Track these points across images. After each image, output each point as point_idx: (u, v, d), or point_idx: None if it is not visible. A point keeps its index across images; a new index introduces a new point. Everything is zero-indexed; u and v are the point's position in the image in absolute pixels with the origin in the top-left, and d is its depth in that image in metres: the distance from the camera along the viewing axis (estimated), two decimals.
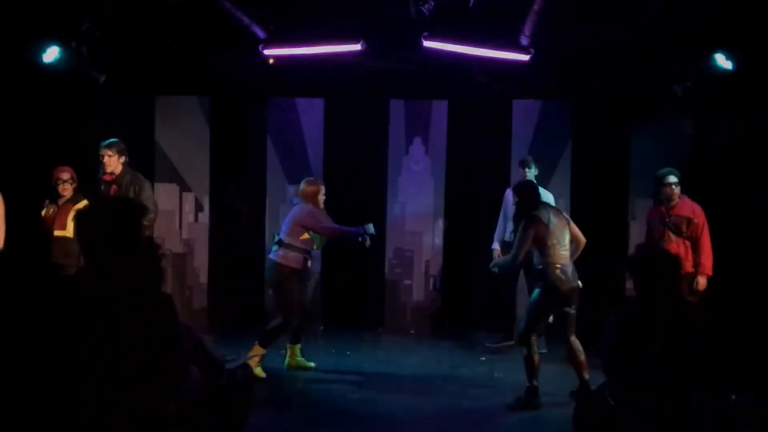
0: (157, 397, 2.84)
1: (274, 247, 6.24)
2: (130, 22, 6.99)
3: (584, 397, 3.94)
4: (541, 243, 5.51)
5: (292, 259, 6.18)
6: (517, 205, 5.73)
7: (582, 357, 5.60)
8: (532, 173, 7.33)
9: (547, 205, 5.80)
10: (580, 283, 5.63)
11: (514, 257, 5.60)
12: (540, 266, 5.56)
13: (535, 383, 5.58)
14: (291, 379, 6.25)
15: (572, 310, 5.62)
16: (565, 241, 5.58)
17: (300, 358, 6.49)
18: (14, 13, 6.48)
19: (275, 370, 6.32)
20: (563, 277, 5.48)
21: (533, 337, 5.59)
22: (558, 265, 5.48)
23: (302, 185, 6.41)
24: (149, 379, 2.81)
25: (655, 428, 3.59)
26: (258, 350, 6.11)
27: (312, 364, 6.36)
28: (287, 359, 6.49)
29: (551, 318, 5.87)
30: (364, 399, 5.83)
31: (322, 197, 6.36)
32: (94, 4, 6.67)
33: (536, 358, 5.58)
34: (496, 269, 5.98)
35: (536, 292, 5.61)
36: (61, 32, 6.90)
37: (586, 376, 5.56)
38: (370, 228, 6.27)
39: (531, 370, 5.59)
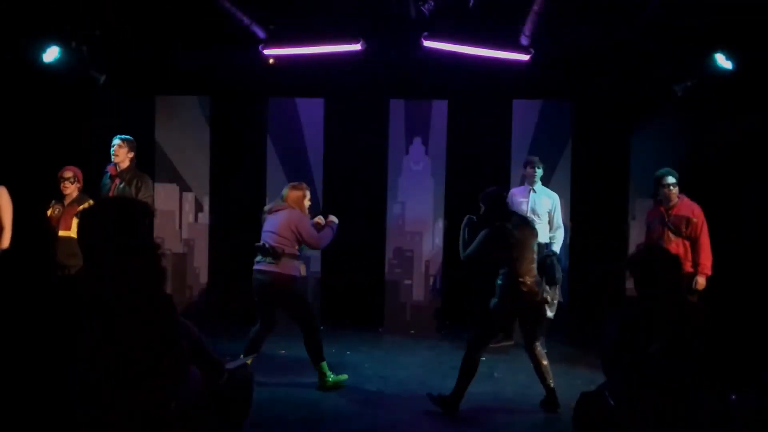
0: (157, 397, 2.84)
1: (269, 259, 5.83)
2: (130, 22, 7.00)
3: (584, 398, 3.94)
4: (502, 256, 5.36)
5: (294, 268, 5.92)
6: (484, 213, 5.45)
7: (543, 365, 5.53)
8: (539, 173, 7.36)
9: (515, 215, 5.60)
10: (548, 296, 5.53)
11: (468, 255, 5.41)
12: (500, 279, 5.41)
13: (462, 390, 5.43)
14: (290, 379, 6.25)
15: (536, 322, 5.53)
16: (529, 253, 5.40)
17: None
18: (14, 13, 6.49)
19: (274, 371, 6.32)
20: (524, 289, 5.33)
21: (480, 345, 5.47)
22: (520, 279, 5.31)
23: (286, 190, 5.99)
24: (149, 379, 2.81)
25: (655, 428, 3.59)
26: (321, 369, 5.92)
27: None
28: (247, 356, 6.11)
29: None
30: (364, 399, 5.83)
31: (308, 202, 6.01)
32: (94, 4, 6.68)
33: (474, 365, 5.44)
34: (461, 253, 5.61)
35: (493, 301, 5.45)
36: (61, 32, 6.91)
37: (551, 384, 5.53)
38: (335, 219, 6.13)
39: (466, 376, 5.43)
